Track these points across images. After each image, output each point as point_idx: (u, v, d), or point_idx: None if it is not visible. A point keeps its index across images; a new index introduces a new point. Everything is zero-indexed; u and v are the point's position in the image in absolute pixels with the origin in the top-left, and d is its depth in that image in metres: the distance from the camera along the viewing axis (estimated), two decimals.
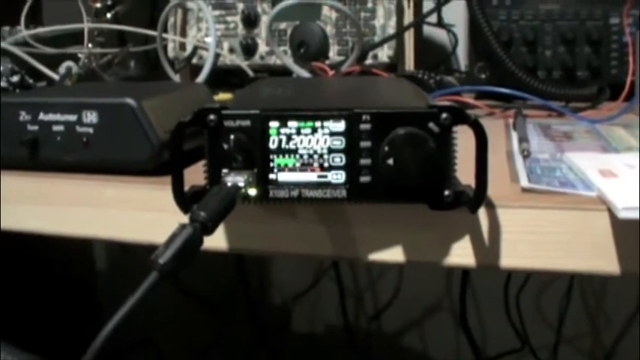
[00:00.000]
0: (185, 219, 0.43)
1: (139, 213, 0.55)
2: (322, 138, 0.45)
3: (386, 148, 0.44)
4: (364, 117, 0.45)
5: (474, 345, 1.29)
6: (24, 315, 1.26)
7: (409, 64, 1.00)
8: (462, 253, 0.48)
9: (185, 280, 1.30)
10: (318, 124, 0.45)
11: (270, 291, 1.57)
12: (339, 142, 0.45)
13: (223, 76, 1.01)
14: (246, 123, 0.46)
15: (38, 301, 1.33)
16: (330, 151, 0.45)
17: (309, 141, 0.46)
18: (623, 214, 0.43)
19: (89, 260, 1.59)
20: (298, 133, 0.46)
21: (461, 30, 1.15)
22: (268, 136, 0.46)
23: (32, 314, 1.29)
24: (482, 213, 0.47)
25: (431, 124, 0.44)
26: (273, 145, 0.46)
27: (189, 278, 1.23)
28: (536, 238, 0.47)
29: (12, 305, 1.22)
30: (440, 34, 1.23)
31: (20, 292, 1.29)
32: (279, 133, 0.46)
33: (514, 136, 0.67)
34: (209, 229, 0.42)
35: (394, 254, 0.49)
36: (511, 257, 0.47)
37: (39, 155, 0.59)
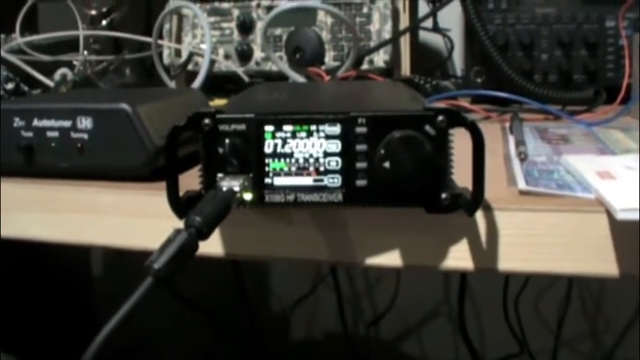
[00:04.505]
0: (181, 224, 0.42)
1: (134, 219, 0.55)
2: (318, 142, 0.45)
3: (382, 152, 0.44)
4: (360, 120, 0.44)
5: (473, 350, 1.29)
6: (20, 320, 1.26)
7: (405, 69, 0.99)
8: (459, 257, 0.47)
9: (183, 288, 1.30)
10: (313, 127, 0.45)
11: (269, 298, 1.57)
12: (335, 146, 0.45)
13: (219, 83, 1.01)
14: (242, 127, 0.45)
15: (34, 306, 1.33)
16: (326, 154, 0.45)
17: (305, 145, 0.45)
18: (621, 216, 0.42)
19: (85, 265, 1.58)
20: (294, 136, 0.45)
21: (456, 35, 1.15)
22: (263, 140, 0.45)
23: (28, 319, 1.29)
24: (479, 216, 0.47)
25: (427, 127, 0.44)
26: (268, 149, 0.45)
27: (187, 285, 1.23)
28: (534, 240, 0.46)
29: (8, 310, 1.21)
30: (435, 40, 1.23)
31: (16, 297, 1.28)
32: (274, 137, 0.45)
33: (511, 139, 0.67)
34: (204, 234, 0.42)
35: (391, 258, 0.49)
36: (509, 260, 0.47)
37: (34, 161, 0.59)
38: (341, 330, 1.44)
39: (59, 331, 1.32)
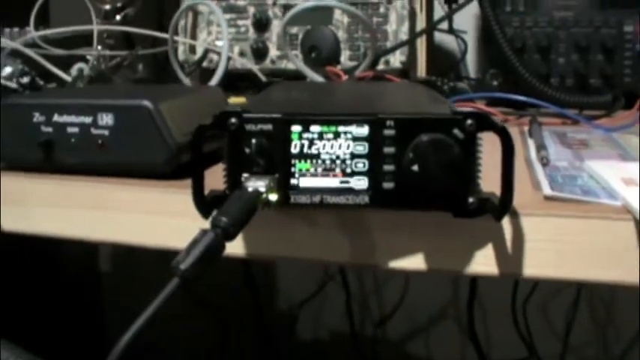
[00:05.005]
0: (202, 223, 0.42)
1: (155, 217, 0.55)
2: (345, 143, 0.45)
3: (410, 155, 0.44)
4: (388, 122, 0.44)
5: (481, 353, 1.28)
6: (29, 316, 1.26)
7: (421, 70, 0.99)
8: (484, 262, 0.47)
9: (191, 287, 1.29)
10: (341, 128, 0.45)
11: (277, 297, 1.57)
12: (362, 148, 0.45)
13: (232, 80, 1.01)
14: (268, 127, 0.45)
15: (43, 302, 1.32)
16: (353, 156, 0.45)
17: (332, 146, 0.45)
18: None
19: (94, 262, 1.58)
20: (320, 137, 0.45)
21: (470, 37, 1.15)
22: (290, 140, 0.45)
23: (36, 315, 1.29)
24: (505, 221, 0.46)
25: (456, 131, 0.44)
26: (294, 150, 0.45)
27: (194, 284, 1.22)
28: (560, 247, 0.46)
29: (16, 306, 1.21)
30: (448, 41, 1.23)
31: (25, 293, 1.28)
32: (301, 138, 0.45)
33: (530, 143, 0.67)
34: (231, 235, 0.41)
35: (416, 262, 0.48)
36: (534, 267, 0.47)
37: (53, 157, 0.58)
38: (348, 330, 1.44)
39: (68, 328, 1.32)
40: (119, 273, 1.58)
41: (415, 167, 0.44)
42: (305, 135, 0.45)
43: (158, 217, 0.55)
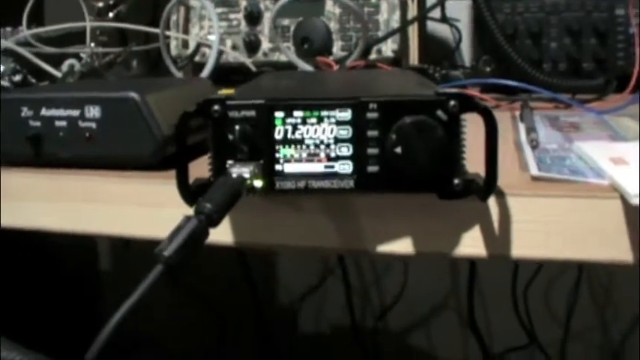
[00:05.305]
0: (190, 212, 0.42)
1: (143, 208, 0.55)
2: (328, 127, 0.45)
3: (393, 137, 0.44)
4: (371, 105, 0.44)
5: (481, 342, 1.28)
6: (28, 312, 1.26)
7: (413, 58, 0.99)
8: (472, 244, 0.47)
9: (190, 280, 1.30)
10: (324, 113, 0.45)
11: (277, 290, 1.57)
12: (346, 132, 0.45)
13: (226, 73, 1.01)
14: (251, 113, 0.45)
15: (42, 299, 1.33)
16: (337, 140, 0.45)
17: (315, 131, 0.45)
18: (636, 201, 0.42)
19: (92, 257, 1.58)
20: (304, 123, 0.45)
21: (464, 26, 1.15)
22: (274, 126, 0.45)
23: (36, 312, 1.29)
24: (492, 202, 0.46)
25: (439, 112, 0.44)
26: (278, 136, 0.45)
27: (194, 278, 1.22)
28: (547, 227, 0.46)
29: (15, 303, 1.21)
30: (443, 30, 1.22)
31: (24, 289, 1.28)
32: (284, 123, 0.45)
33: (521, 127, 0.67)
34: (214, 221, 0.41)
35: (403, 246, 0.48)
36: (522, 247, 0.47)
37: (42, 151, 0.58)
38: (349, 322, 1.44)
39: (66, 323, 1.32)
40: (118, 270, 1.58)
41: (399, 149, 0.43)
42: (288, 120, 0.45)
43: (147, 208, 0.55)
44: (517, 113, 0.74)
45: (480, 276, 1.29)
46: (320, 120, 0.45)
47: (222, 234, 0.50)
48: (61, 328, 1.30)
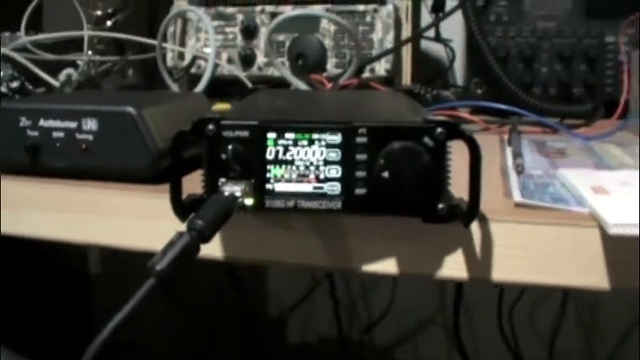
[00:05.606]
0: (183, 227, 0.43)
1: (137, 220, 0.56)
2: (319, 150, 0.46)
3: (381, 161, 0.45)
4: (360, 130, 0.45)
5: (467, 358, 1.29)
6: (19, 319, 1.26)
7: (406, 77, 1.00)
8: (454, 267, 0.48)
9: (180, 291, 1.30)
10: (315, 136, 0.46)
11: (265, 302, 1.58)
12: (335, 155, 0.46)
13: (221, 86, 1.02)
14: (244, 134, 0.46)
15: (32, 303, 1.33)
16: (326, 162, 0.46)
17: (306, 152, 0.46)
18: (613, 230, 0.43)
19: (84, 264, 1.59)
20: (295, 144, 0.46)
21: (458, 45, 1.16)
22: (265, 146, 0.46)
23: (26, 315, 1.29)
24: (475, 227, 0.48)
25: (426, 139, 0.45)
26: (270, 156, 0.46)
27: (184, 288, 1.23)
28: (528, 253, 0.47)
29: (7, 309, 1.22)
30: (437, 49, 1.24)
31: (15, 296, 1.29)
32: (276, 144, 0.46)
33: (508, 151, 0.68)
34: (206, 237, 0.43)
35: (388, 266, 0.50)
36: (503, 271, 0.48)
37: (39, 161, 0.60)
38: (336, 335, 1.45)
39: (58, 329, 1.32)
40: (110, 276, 1.59)
41: (386, 174, 0.45)
42: (280, 142, 0.46)
43: (140, 220, 0.56)
44: (506, 137, 0.76)
45: (466, 294, 1.31)
46: (311, 142, 0.46)
47: (213, 249, 0.52)
48: (51, 331, 1.30)
